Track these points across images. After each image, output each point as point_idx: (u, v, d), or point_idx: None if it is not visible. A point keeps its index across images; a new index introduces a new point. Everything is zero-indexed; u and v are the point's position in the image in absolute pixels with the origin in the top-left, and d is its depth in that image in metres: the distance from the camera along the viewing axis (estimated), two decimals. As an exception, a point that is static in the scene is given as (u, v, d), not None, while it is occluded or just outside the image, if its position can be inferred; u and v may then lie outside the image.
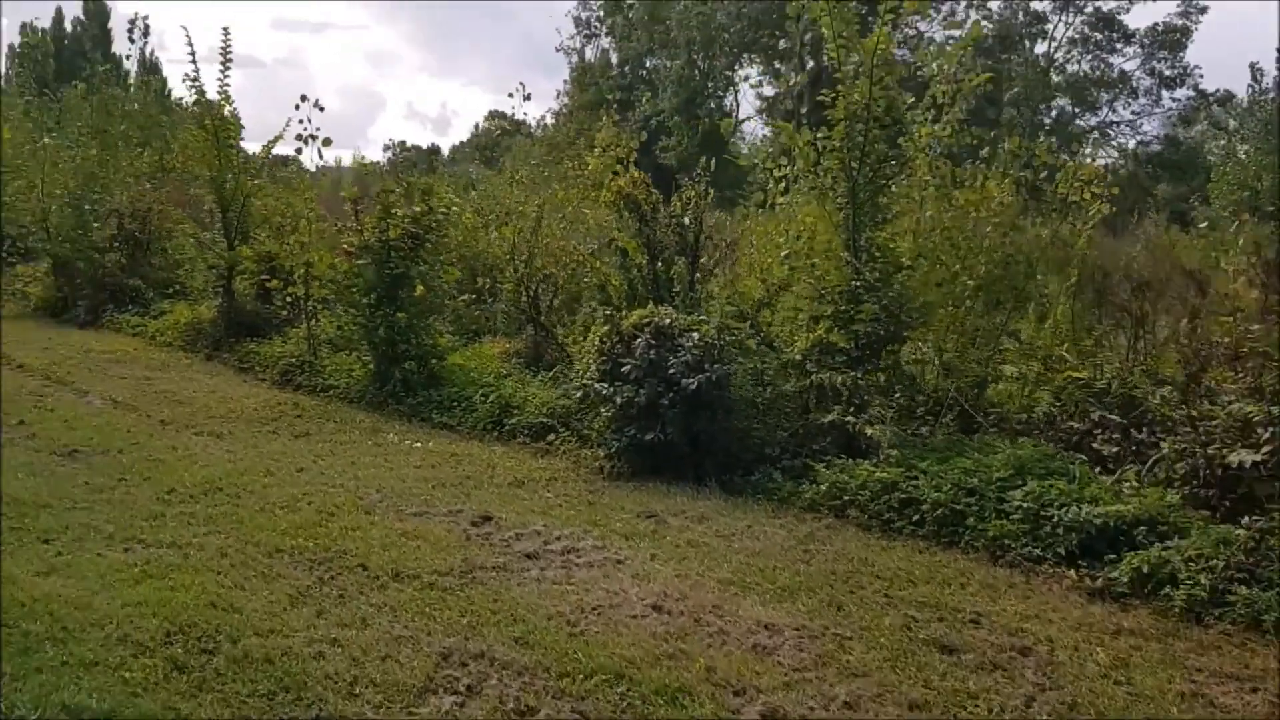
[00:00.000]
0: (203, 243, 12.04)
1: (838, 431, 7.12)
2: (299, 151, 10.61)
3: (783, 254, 8.53)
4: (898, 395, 7.81)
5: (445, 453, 7.72)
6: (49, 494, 6.04)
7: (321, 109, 10.37)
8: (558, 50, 54.76)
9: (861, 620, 4.79)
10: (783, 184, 9.05)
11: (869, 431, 6.83)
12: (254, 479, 6.66)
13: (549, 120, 50.18)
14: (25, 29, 49.09)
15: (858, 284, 7.18)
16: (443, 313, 10.38)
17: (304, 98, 10.34)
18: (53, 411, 8.32)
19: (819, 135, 7.73)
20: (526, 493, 6.71)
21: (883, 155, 7.33)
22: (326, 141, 10.51)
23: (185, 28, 11.56)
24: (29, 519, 5.56)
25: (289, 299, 10.85)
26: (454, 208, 10.19)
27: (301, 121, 10.33)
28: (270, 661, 3.99)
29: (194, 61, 11.59)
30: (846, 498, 6.47)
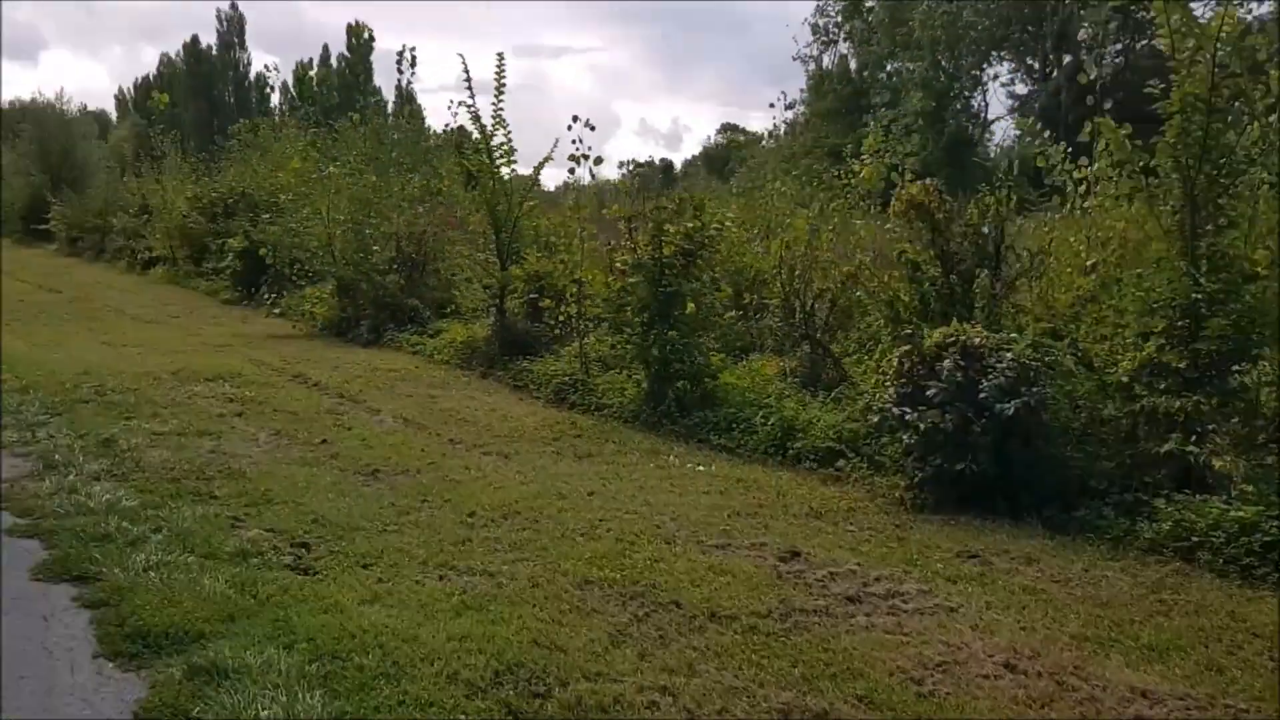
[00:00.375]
0: (478, 263, 12.34)
1: (1173, 462, 6.35)
2: (572, 171, 10.69)
3: (1088, 263, 7.80)
4: (1235, 421, 6.91)
5: (730, 477, 7.44)
6: (359, 516, 6.16)
7: (592, 128, 10.41)
8: (794, 59, 54.13)
9: (1252, 688, 4.13)
10: (1083, 185, 8.29)
11: (1216, 464, 6.04)
12: (548, 502, 6.60)
13: (782, 130, 49.81)
14: (298, 66, 53.37)
15: (1198, 296, 6.37)
16: (712, 330, 10.16)
17: (575, 118, 10.43)
18: (350, 430, 8.64)
19: (1124, 132, 6.99)
20: (828, 525, 6.33)
21: (1225, 151, 6.50)
22: (598, 160, 10.56)
23: (462, 55, 11.80)
24: (345, 542, 5.66)
25: (561, 318, 10.94)
26: (727, 223, 9.96)
27: (575, 141, 10.40)
28: (604, 710, 3.79)
29: (470, 87, 11.95)
30: (1195, 539, 5.72)
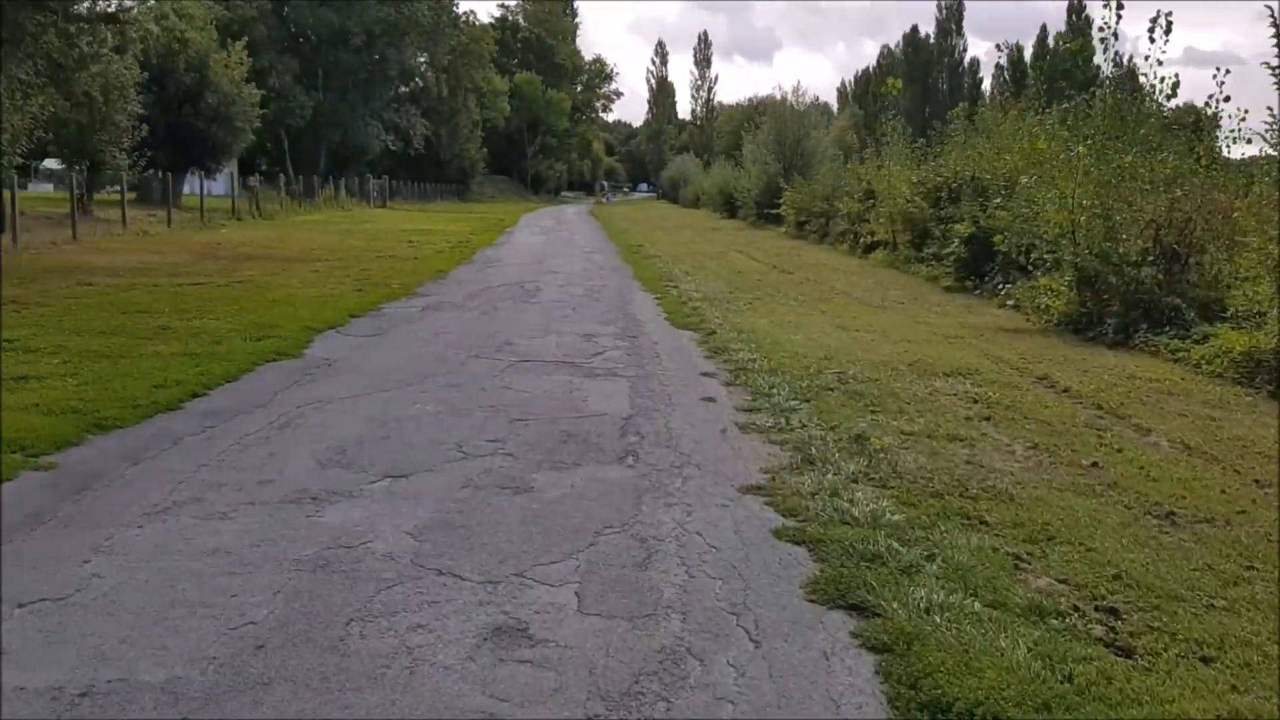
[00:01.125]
0: (1269, 258, 10.11)
1: None
2: None
3: None
4: None
5: None
6: (1171, 578, 4.89)
7: None
8: None
9: None
10: None
11: None
12: None
13: None
14: (1012, 48, 51.81)
15: None
16: None
17: None
18: (1120, 453, 7.33)
19: None
20: None
21: None
22: None
23: (1270, 7, 9.63)
24: (1164, 615, 4.44)
25: None
26: None
27: None
28: None
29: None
30: None
